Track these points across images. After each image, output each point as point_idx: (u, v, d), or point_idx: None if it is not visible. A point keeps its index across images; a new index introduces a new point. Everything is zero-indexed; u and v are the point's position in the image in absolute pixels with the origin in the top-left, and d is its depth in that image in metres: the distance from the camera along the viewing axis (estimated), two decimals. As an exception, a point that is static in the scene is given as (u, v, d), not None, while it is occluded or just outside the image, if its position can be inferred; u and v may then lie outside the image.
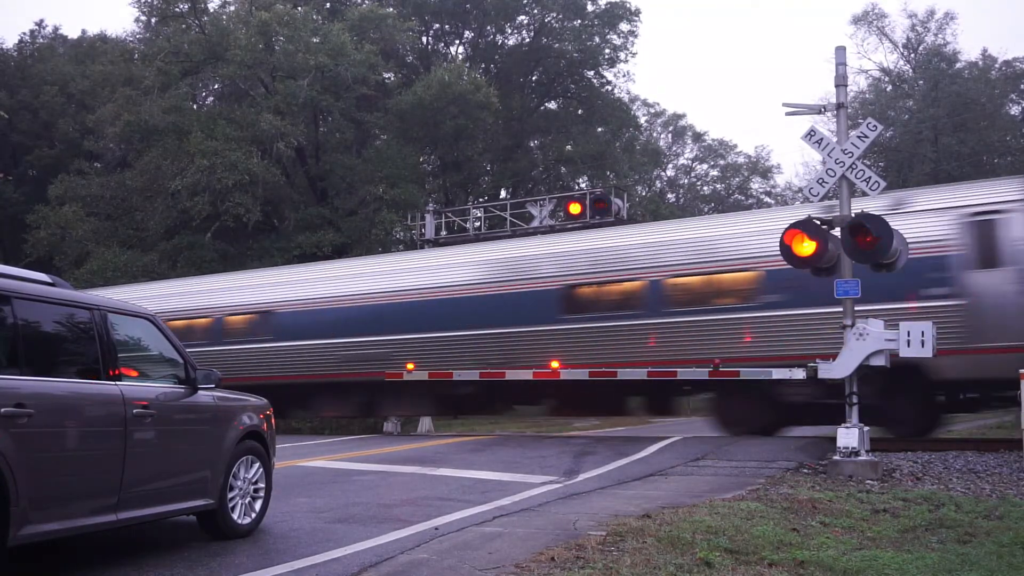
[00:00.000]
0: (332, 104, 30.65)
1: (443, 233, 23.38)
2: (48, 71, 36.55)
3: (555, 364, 15.32)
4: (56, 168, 33.46)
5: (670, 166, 55.82)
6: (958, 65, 38.34)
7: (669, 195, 53.29)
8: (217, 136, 28.32)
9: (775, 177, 55.08)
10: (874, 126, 10.89)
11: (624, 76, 45.77)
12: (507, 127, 37.26)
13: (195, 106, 35.89)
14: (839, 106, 11.15)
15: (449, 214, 24.56)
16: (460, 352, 16.62)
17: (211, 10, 33.00)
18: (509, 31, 40.64)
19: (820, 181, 11.05)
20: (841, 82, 11.18)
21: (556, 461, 11.73)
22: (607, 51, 38.70)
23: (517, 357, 15.94)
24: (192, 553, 6.16)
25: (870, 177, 10.71)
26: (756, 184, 54.87)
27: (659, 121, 53.84)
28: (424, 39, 39.99)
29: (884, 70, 41.26)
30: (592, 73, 39.27)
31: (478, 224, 23.90)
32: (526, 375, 15.60)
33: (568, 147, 38.19)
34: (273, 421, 7.60)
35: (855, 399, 10.58)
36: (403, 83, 36.05)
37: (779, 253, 10.84)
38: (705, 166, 56.44)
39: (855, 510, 7.94)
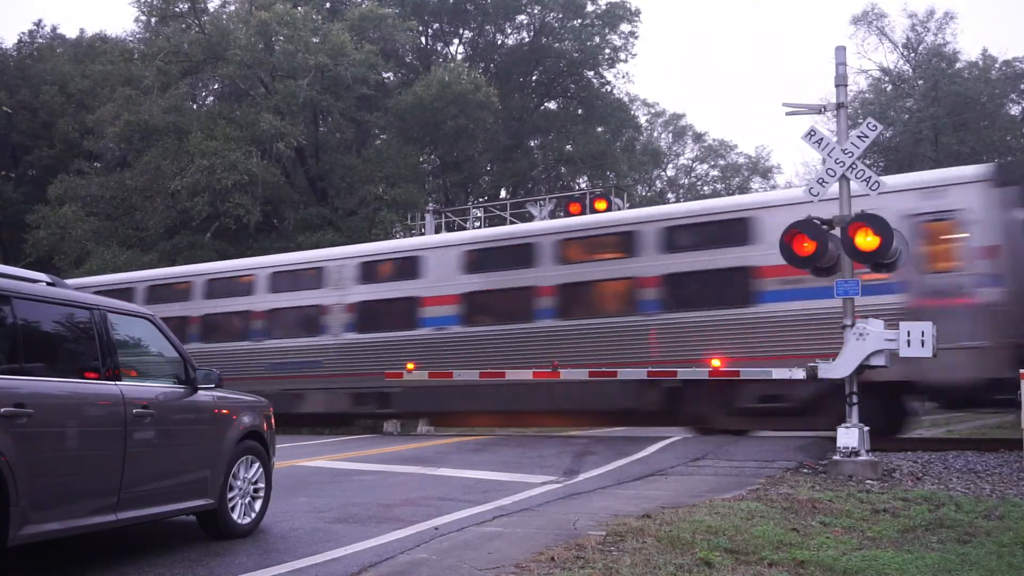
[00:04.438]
0: (332, 104, 30.67)
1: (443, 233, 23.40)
2: (48, 71, 36.53)
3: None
4: (56, 168, 33.44)
5: (670, 166, 55.87)
6: (958, 65, 38.33)
7: (669, 195, 53.28)
8: (217, 136, 28.33)
9: (775, 177, 55.13)
10: (874, 126, 10.89)
11: (624, 77, 45.91)
12: (507, 127, 37.26)
13: (195, 106, 35.91)
14: (839, 106, 11.15)
15: (449, 214, 24.57)
16: None
17: (211, 10, 33.05)
18: (509, 31, 40.69)
19: (820, 181, 11.06)
20: (841, 82, 11.19)
21: (556, 461, 11.73)
22: (607, 51, 38.73)
23: None
24: (192, 553, 6.16)
25: (870, 177, 10.72)
26: (756, 184, 54.88)
27: (659, 121, 53.86)
28: (424, 39, 40.00)
29: (884, 70, 41.25)
30: (592, 73, 39.28)
31: (478, 224, 23.91)
32: (526, 375, 15.58)
33: (568, 147, 38.21)
34: (273, 421, 7.60)
35: (855, 399, 10.58)
36: (403, 83, 36.08)
37: None
38: (705, 166, 56.47)
39: (855, 510, 7.94)
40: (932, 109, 36.12)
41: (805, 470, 10.70)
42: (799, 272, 12.00)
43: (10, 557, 4.85)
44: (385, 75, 35.54)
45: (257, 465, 7.12)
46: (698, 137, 54.94)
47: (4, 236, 36.30)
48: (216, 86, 36.89)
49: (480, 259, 17.22)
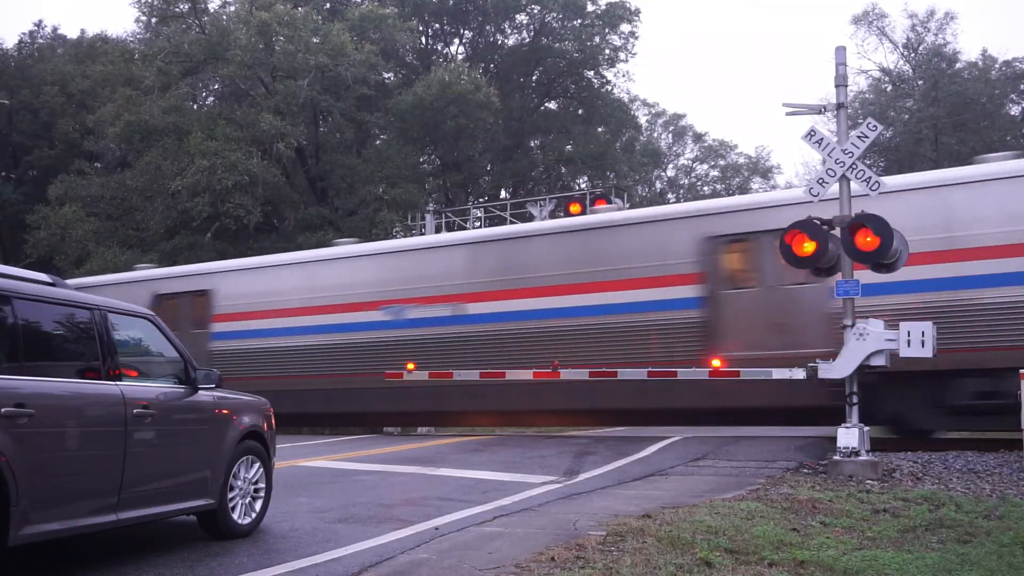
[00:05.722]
0: (332, 104, 30.66)
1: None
2: (48, 71, 36.50)
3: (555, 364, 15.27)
4: (56, 168, 33.42)
5: (670, 166, 55.85)
6: (958, 65, 38.32)
7: (669, 195, 53.27)
8: (217, 136, 28.32)
9: (775, 177, 55.14)
10: (874, 126, 10.89)
11: (624, 76, 45.86)
12: (507, 127, 37.26)
13: (195, 106, 35.89)
14: (839, 106, 11.15)
15: (449, 214, 24.56)
16: None
17: (211, 10, 33.02)
18: (509, 31, 40.67)
19: (820, 181, 11.06)
20: (841, 82, 11.19)
21: (556, 461, 11.73)
22: (607, 51, 38.73)
23: None
24: (192, 553, 6.16)
25: (870, 177, 10.72)
26: (756, 184, 54.89)
27: (659, 121, 53.83)
28: (424, 39, 40.00)
29: (884, 70, 41.24)
30: (592, 73, 39.28)
31: (478, 224, 23.92)
32: (526, 375, 15.54)
33: (568, 147, 38.20)
34: (273, 421, 7.61)
35: (855, 399, 10.58)
36: (403, 83, 36.07)
37: None
38: (705, 166, 56.46)
39: (855, 510, 7.94)
40: (932, 109, 36.13)
41: (805, 470, 10.71)
42: None
43: (10, 557, 4.86)
44: (385, 75, 35.52)
45: (257, 465, 7.13)
46: (698, 137, 54.94)
47: (4, 236, 36.30)
48: (216, 86, 36.87)
49: None
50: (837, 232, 10.72)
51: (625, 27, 38.53)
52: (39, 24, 41.77)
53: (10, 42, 44.23)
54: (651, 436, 14.77)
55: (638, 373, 14.11)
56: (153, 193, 30.22)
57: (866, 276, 11.05)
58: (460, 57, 39.90)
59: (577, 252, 15.92)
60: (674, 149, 55.52)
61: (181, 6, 31.65)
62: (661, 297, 14.80)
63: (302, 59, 28.79)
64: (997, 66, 39.09)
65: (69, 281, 21.47)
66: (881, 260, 10.52)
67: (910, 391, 13.02)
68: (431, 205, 26.72)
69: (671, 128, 54.52)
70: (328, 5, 37.16)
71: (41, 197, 31.97)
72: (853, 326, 10.62)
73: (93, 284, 21.55)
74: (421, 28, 38.39)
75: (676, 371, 13.87)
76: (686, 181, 56.02)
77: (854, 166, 10.75)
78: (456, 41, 41.58)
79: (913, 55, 40.31)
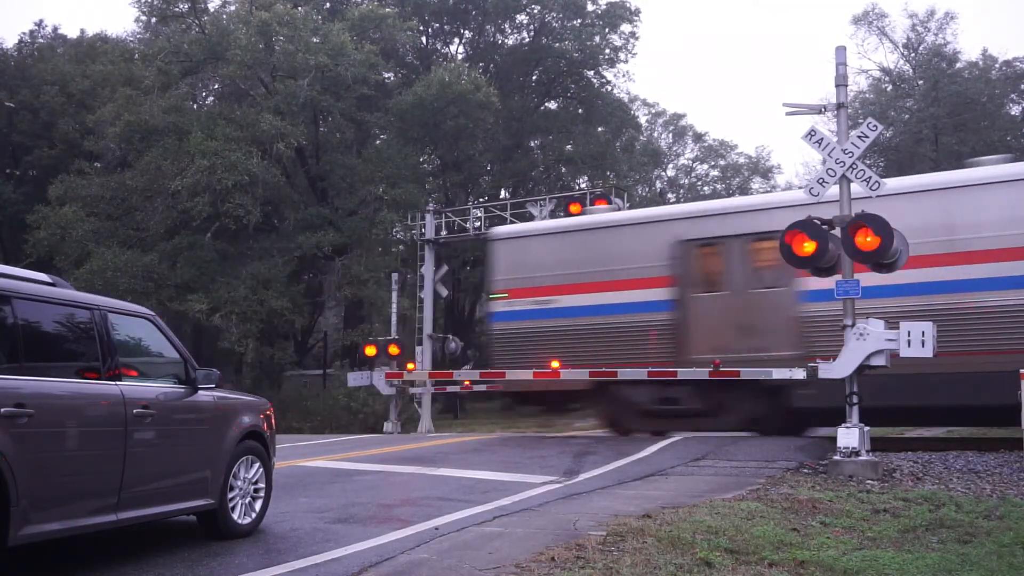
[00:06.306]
0: (332, 104, 30.67)
1: (443, 233, 23.40)
2: (48, 71, 36.52)
3: (555, 364, 15.28)
4: (56, 168, 33.42)
5: (670, 166, 55.90)
6: (958, 65, 38.38)
7: (670, 195, 53.28)
8: (217, 136, 28.31)
9: (775, 177, 55.20)
10: (874, 126, 10.89)
11: (624, 76, 45.91)
12: (507, 127, 37.25)
13: (195, 106, 35.88)
14: (839, 106, 11.15)
15: (449, 214, 24.55)
16: None
17: (211, 10, 33.03)
18: (509, 31, 40.69)
19: (821, 181, 11.06)
20: (841, 82, 11.19)
21: (556, 461, 11.73)
22: (607, 51, 38.74)
23: None
24: (192, 553, 6.16)
25: (870, 177, 10.72)
26: (757, 184, 54.96)
27: (660, 121, 53.90)
28: (424, 39, 40.01)
29: (884, 70, 41.28)
30: (592, 73, 39.29)
31: (478, 224, 23.91)
32: (526, 375, 15.55)
33: (568, 147, 38.21)
34: (273, 421, 7.60)
35: (855, 399, 10.58)
36: (403, 83, 36.09)
37: None
38: (705, 166, 56.52)
39: (855, 510, 7.94)
40: (932, 109, 36.15)
41: (805, 470, 10.71)
42: None
43: (10, 557, 4.85)
44: (385, 75, 35.55)
45: (257, 465, 7.12)
46: (698, 137, 55.02)
47: (4, 236, 36.32)
48: (216, 86, 36.86)
49: None
50: (837, 232, 10.73)
51: (625, 27, 38.59)
52: (39, 24, 41.90)
53: (10, 42, 44.28)
54: (651, 436, 14.75)
55: (639, 373, 14.06)
56: (153, 193, 30.20)
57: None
58: (460, 57, 39.91)
59: None
60: (674, 149, 55.61)
61: (181, 6, 31.65)
62: None
63: (302, 59, 28.80)
64: (997, 66, 39.13)
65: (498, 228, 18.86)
66: (881, 260, 10.52)
67: None
68: (431, 205, 26.67)
69: (671, 128, 54.58)
70: (328, 5, 37.17)
71: (41, 197, 31.96)
72: (853, 326, 10.62)
73: (534, 232, 17.41)
74: (421, 28, 38.38)
75: (676, 371, 13.82)
76: (686, 181, 56.04)
77: (854, 166, 10.75)
78: (456, 41, 41.60)
79: (913, 55, 40.34)
